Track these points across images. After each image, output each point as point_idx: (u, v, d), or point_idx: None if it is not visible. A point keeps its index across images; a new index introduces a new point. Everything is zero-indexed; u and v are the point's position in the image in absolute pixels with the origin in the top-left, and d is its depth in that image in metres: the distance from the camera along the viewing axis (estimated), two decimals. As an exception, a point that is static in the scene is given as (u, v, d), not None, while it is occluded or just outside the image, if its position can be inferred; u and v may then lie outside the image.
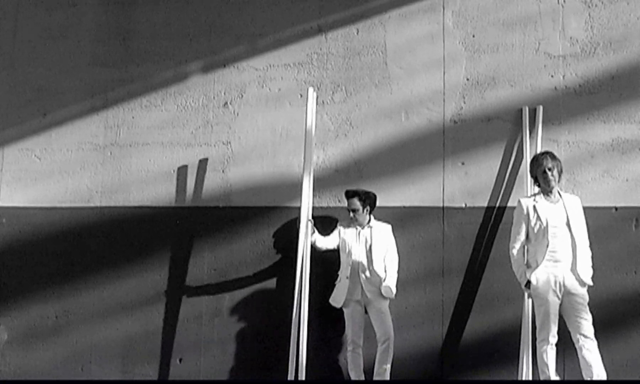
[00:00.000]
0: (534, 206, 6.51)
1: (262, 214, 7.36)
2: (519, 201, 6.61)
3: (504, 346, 7.02)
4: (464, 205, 7.24)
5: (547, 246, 6.39)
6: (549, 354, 6.41)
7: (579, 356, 6.32)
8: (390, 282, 6.89)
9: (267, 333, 7.25)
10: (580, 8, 7.36)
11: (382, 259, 6.95)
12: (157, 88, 7.63)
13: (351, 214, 7.01)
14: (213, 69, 7.60)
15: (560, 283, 6.38)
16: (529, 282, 6.43)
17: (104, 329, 7.40)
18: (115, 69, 7.67)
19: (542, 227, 6.43)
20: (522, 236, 6.53)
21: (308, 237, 6.88)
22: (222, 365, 7.27)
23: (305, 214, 6.94)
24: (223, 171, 7.48)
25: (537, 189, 6.65)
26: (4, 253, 7.52)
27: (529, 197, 6.64)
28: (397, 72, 7.44)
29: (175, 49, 7.63)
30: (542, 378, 6.43)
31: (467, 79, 7.38)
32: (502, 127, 7.29)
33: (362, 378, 6.89)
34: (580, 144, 7.20)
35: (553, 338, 6.42)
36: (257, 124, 7.51)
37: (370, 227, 7.00)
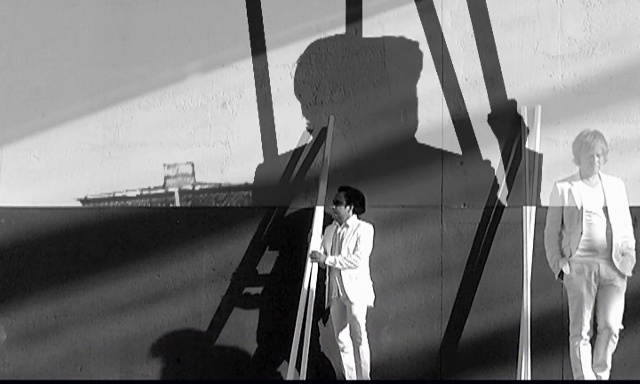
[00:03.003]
0: (570, 190, 6.19)
1: (260, 214, 7.36)
2: (555, 184, 6.28)
3: (503, 345, 7.03)
4: (462, 205, 7.25)
5: (582, 233, 6.10)
6: (582, 351, 6.18)
7: (594, 346, 6.21)
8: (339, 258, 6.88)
9: (265, 333, 7.26)
10: (579, 8, 7.36)
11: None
12: (156, 88, 7.62)
13: (333, 206, 7.01)
14: (211, 69, 7.58)
15: (595, 274, 6.10)
16: (562, 273, 6.17)
17: (103, 329, 7.40)
18: (113, 69, 7.66)
19: (577, 212, 6.12)
20: (557, 222, 6.21)
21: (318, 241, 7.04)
22: (220, 365, 7.28)
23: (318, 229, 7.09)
24: (222, 171, 7.48)
25: (575, 170, 6.35)
26: (3, 253, 7.52)
27: (565, 180, 6.32)
28: (395, 72, 7.44)
29: (174, 49, 7.62)
30: (575, 377, 6.24)
31: (466, 79, 7.38)
32: (501, 127, 7.29)
33: (354, 377, 6.88)
34: (579, 144, 7.20)
35: (586, 334, 6.17)
36: (255, 124, 7.51)
37: (347, 226, 6.99)
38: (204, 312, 7.32)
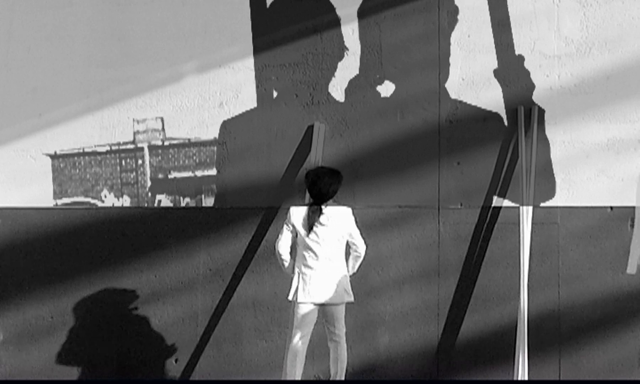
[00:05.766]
0: None
1: (257, 214, 7.36)
2: None
3: (500, 345, 7.04)
4: (459, 205, 7.25)
5: None
6: None
7: None
8: None
9: (263, 333, 7.26)
10: (576, 8, 7.36)
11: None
12: (153, 88, 7.62)
13: None
14: (208, 70, 7.59)
15: None
16: None
17: (100, 329, 7.40)
18: (110, 69, 7.66)
19: None
20: None
21: None
22: (218, 366, 7.28)
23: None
24: (218, 171, 7.48)
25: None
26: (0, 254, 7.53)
27: None
28: (392, 72, 7.44)
29: (171, 49, 7.62)
30: None
31: (463, 79, 7.38)
32: (498, 127, 7.29)
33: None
34: (576, 144, 7.21)
35: None
36: (252, 124, 7.51)
37: None
38: (201, 312, 7.32)
